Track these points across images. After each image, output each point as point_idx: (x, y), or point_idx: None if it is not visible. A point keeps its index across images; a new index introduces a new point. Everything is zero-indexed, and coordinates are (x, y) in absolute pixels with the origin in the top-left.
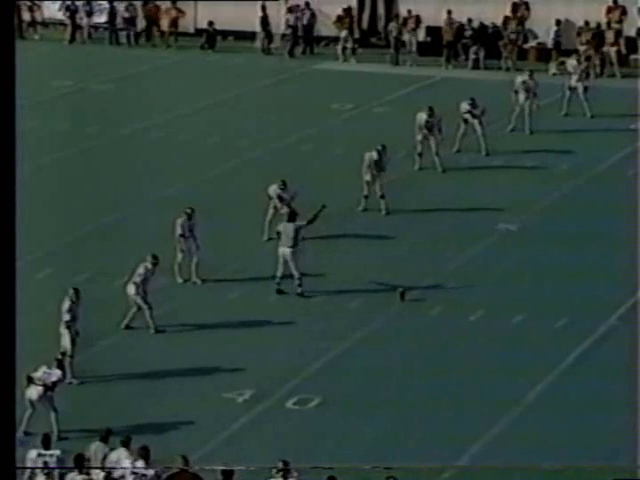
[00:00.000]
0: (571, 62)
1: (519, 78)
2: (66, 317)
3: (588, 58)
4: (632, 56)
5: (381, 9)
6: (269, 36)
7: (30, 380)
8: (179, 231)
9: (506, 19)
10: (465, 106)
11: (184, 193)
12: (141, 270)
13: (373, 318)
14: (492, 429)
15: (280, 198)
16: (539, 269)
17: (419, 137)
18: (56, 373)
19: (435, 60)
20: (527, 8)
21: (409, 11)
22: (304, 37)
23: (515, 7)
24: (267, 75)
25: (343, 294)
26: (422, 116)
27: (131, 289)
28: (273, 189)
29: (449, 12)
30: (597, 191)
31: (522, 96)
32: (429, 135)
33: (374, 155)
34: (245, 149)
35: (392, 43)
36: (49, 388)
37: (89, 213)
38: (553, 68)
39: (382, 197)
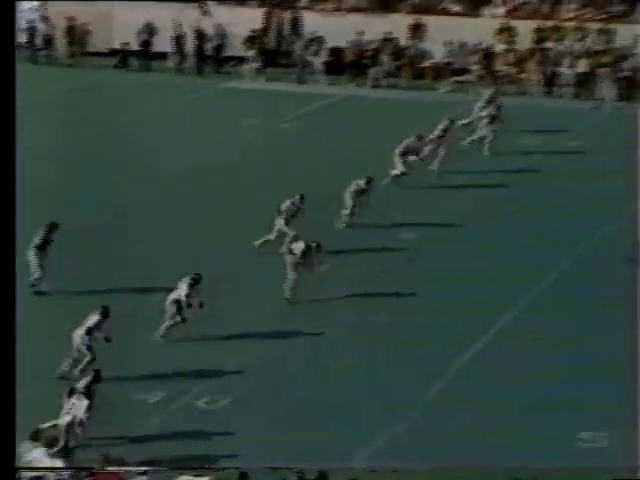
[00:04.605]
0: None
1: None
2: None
3: (481, 77)
4: None
5: (287, 30)
6: (182, 55)
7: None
8: None
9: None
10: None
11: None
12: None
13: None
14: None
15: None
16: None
17: (401, 160)
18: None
19: (337, 78)
20: (421, 29)
21: (313, 32)
22: (214, 57)
23: (415, 28)
24: (178, 94)
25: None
26: (409, 141)
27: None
28: (286, 205)
29: (361, 33)
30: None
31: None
32: (409, 158)
33: (361, 184)
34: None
35: (298, 62)
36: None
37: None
38: (446, 87)
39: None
